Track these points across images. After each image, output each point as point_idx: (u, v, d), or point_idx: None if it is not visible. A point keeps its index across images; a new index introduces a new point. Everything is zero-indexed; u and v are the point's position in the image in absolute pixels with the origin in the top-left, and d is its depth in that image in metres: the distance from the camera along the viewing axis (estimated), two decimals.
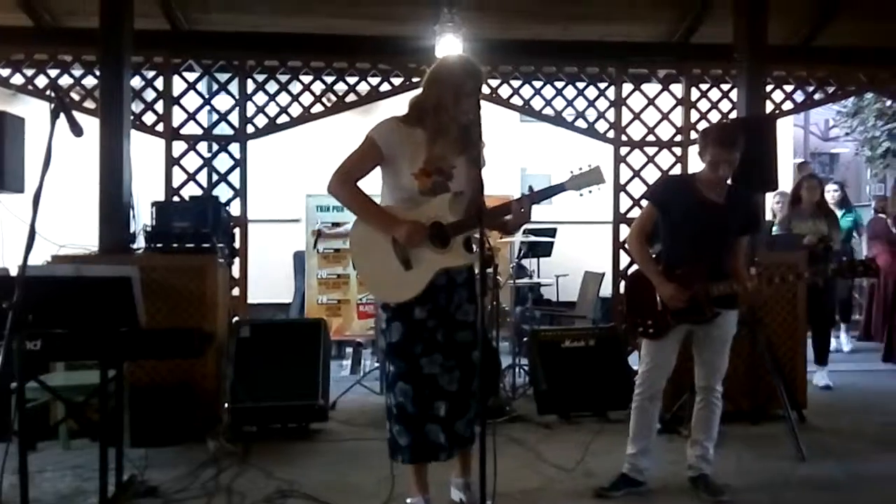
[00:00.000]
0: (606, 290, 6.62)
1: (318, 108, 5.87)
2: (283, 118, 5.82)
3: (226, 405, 4.41)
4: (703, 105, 6.07)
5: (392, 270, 2.88)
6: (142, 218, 4.94)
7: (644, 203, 3.72)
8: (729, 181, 3.43)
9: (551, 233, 8.00)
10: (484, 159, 2.98)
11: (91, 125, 4.27)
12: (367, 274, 3.05)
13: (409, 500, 3.11)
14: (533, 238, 6.47)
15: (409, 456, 2.96)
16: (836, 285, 5.59)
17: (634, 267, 3.82)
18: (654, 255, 3.55)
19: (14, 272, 2.66)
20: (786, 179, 10.05)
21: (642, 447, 3.46)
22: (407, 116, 2.94)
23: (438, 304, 2.93)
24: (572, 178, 2.87)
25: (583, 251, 8.41)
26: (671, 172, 5.97)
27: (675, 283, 3.32)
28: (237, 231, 5.53)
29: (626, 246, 3.69)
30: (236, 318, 5.01)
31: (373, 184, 3.05)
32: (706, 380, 3.46)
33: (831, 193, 6.79)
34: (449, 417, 2.93)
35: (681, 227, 3.40)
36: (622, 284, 5.91)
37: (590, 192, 2.87)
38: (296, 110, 5.84)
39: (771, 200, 6.64)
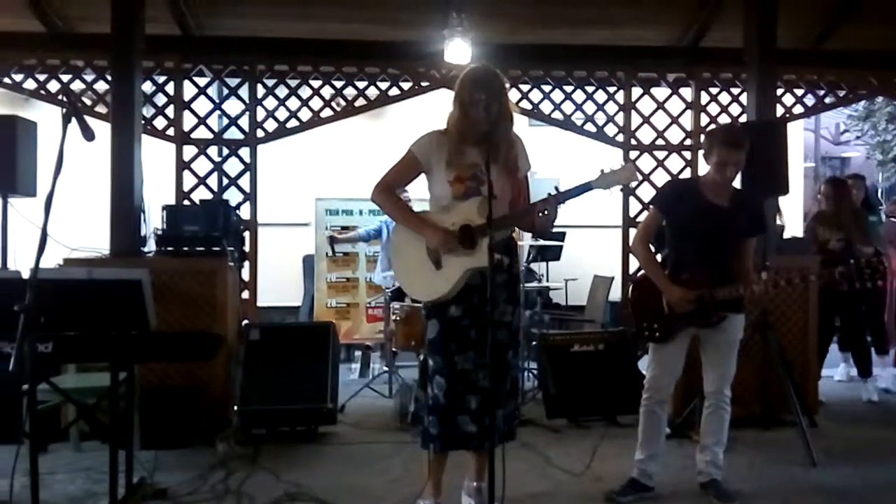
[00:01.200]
0: (616, 293, 6.61)
1: (327, 112, 5.89)
2: (293, 122, 5.84)
3: (235, 408, 4.42)
4: (713, 109, 6.06)
5: (424, 270, 3.01)
6: (152, 221, 4.96)
7: (650, 207, 3.72)
8: (736, 184, 3.42)
9: (560, 237, 7.99)
10: (528, 162, 3.10)
11: (102, 130, 4.31)
12: (403, 273, 3.22)
13: (420, 502, 3.13)
14: (542, 242, 6.46)
15: (441, 444, 3.04)
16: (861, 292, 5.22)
17: (641, 271, 3.81)
18: (660, 259, 3.55)
19: (26, 275, 2.68)
20: (796, 184, 10.01)
21: (651, 452, 3.44)
22: (445, 129, 3.09)
23: (473, 304, 3.00)
24: (601, 177, 2.87)
25: (592, 255, 8.38)
26: (681, 177, 5.96)
27: (680, 286, 3.31)
28: (247, 234, 5.55)
29: (631, 249, 3.69)
30: (246, 322, 5.02)
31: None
32: (714, 384, 3.44)
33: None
34: (480, 410, 2.99)
35: (686, 231, 3.40)
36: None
37: (620, 190, 2.91)
38: (305, 115, 5.86)
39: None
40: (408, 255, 3.08)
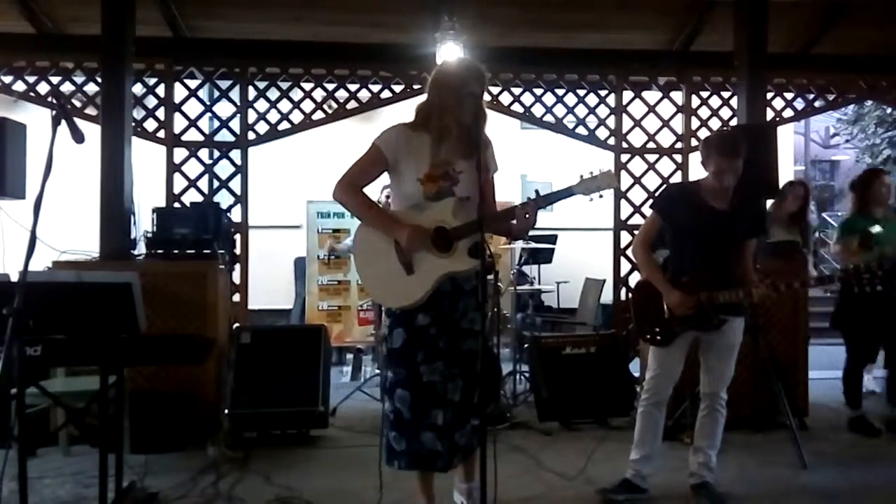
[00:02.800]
0: (607, 296, 6.61)
1: (319, 114, 5.88)
2: (285, 125, 5.83)
3: (226, 411, 4.40)
4: (704, 112, 6.09)
5: (394, 275, 2.84)
6: (143, 224, 4.95)
7: (648, 212, 3.73)
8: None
9: (552, 239, 8.01)
10: (496, 164, 3.00)
11: (92, 132, 4.28)
12: (370, 278, 2.99)
13: None
14: (534, 245, 6.47)
15: (407, 462, 2.90)
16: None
17: (634, 273, 3.81)
18: (659, 263, 3.55)
19: (15, 278, 2.66)
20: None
21: (646, 453, 3.45)
22: (413, 122, 2.93)
23: (442, 311, 2.87)
24: (581, 182, 2.81)
25: (584, 258, 8.41)
26: (672, 180, 5.98)
27: (680, 290, 3.32)
28: (238, 237, 5.53)
29: (631, 255, 3.70)
30: (237, 325, 5.00)
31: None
32: (711, 386, 3.45)
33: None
34: (447, 427, 2.86)
35: (686, 234, 3.41)
36: (623, 291, 5.91)
37: (600, 196, 2.80)
38: (297, 117, 5.85)
39: None
40: (375, 258, 2.88)
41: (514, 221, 2.88)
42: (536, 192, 2.85)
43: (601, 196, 2.81)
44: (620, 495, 3.42)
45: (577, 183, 2.81)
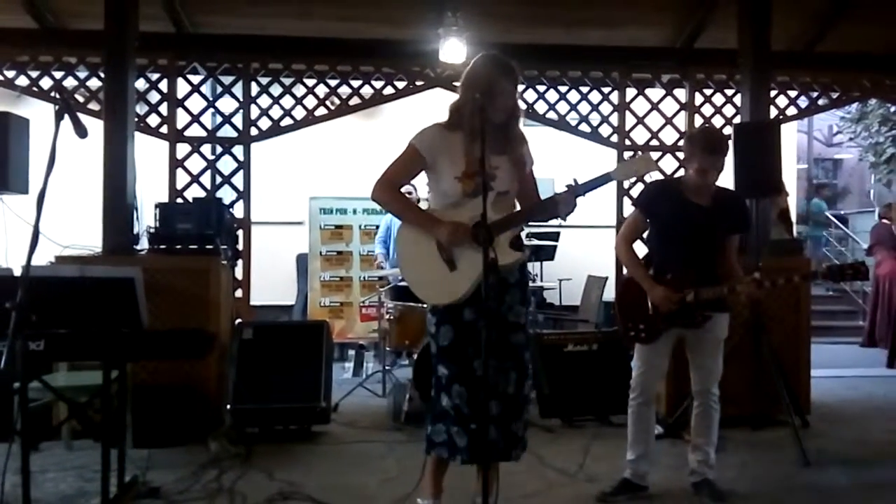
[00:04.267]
0: (609, 293, 6.59)
1: (321, 111, 5.88)
2: (287, 121, 5.83)
3: (228, 406, 4.41)
4: (707, 110, 6.07)
5: (437, 272, 2.86)
6: (145, 219, 4.95)
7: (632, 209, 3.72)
8: (720, 183, 3.43)
9: (555, 237, 8.01)
10: (531, 157, 3.01)
11: (95, 127, 4.29)
12: (413, 277, 3.00)
13: (419, 501, 3.08)
14: (536, 242, 6.47)
15: (469, 455, 2.91)
16: None
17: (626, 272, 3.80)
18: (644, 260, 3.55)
19: (18, 272, 2.66)
20: (789, 185, 10.04)
21: (642, 452, 3.45)
22: (448, 122, 2.96)
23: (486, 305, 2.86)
24: (618, 168, 2.85)
25: (586, 255, 8.39)
26: (675, 177, 5.97)
27: (664, 286, 3.32)
28: (240, 233, 5.53)
29: (615, 251, 3.71)
30: (239, 320, 5.01)
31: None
32: (702, 384, 3.45)
33: None
34: (503, 417, 2.87)
35: (668, 231, 3.42)
36: None
37: (639, 180, 2.84)
38: (299, 113, 5.84)
39: None
40: (417, 256, 2.90)
41: (558, 207, 2.86)
42: (575, 180, 2.85)
43: (639, 180, 2.82)
44: (620, 496, 3.42)
45: (615, 169, 2.85)
